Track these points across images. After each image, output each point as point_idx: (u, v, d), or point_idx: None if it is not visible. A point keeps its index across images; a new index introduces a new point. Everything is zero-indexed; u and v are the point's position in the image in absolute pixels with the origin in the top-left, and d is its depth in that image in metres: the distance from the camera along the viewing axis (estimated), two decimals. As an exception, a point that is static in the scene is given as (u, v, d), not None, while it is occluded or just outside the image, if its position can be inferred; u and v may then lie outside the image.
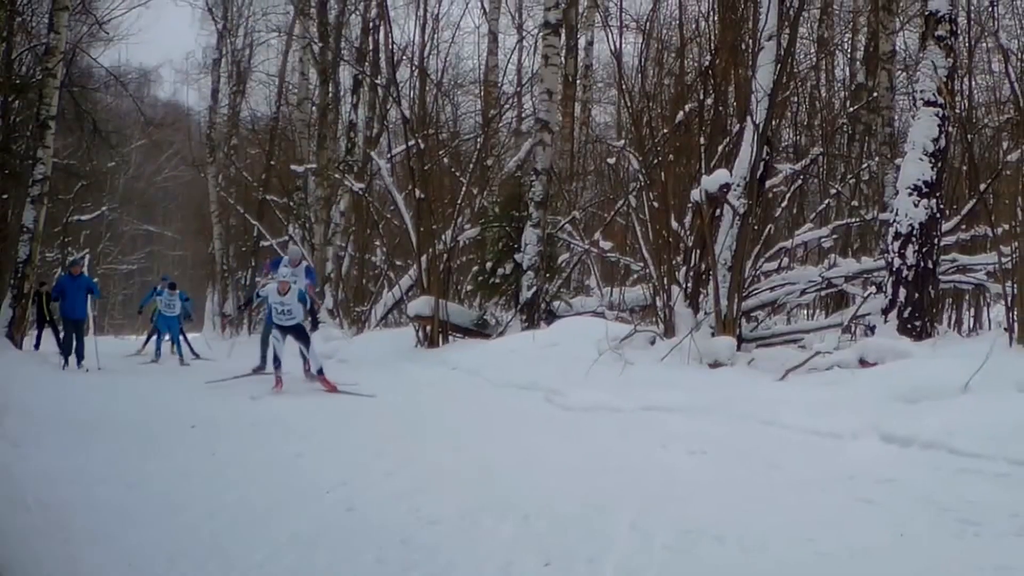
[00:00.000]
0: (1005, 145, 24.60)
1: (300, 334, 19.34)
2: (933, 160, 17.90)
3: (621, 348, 19.43)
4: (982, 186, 21.06)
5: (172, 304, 30.15)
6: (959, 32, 20.68)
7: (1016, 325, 16.33)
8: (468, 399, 15.24)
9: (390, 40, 36.48)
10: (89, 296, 25.65)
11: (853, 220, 25.99)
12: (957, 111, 20.64)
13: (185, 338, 31.67)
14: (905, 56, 30.21)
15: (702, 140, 22.76)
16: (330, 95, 40.83)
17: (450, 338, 26.76)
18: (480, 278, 28.18)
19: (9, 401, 14.65)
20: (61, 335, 26.14)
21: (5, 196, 28.09)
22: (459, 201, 29.97)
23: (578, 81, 39.83)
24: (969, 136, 23.11)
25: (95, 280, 33.68)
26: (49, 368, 23.52)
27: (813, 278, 22.14)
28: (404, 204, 30.94)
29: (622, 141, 29.05)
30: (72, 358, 24.60)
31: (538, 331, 23.06)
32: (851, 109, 29.85)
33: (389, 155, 35.59)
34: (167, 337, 30.81)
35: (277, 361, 19.25)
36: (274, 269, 22.22)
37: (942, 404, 12.43)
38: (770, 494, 9.12)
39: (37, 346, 29.71)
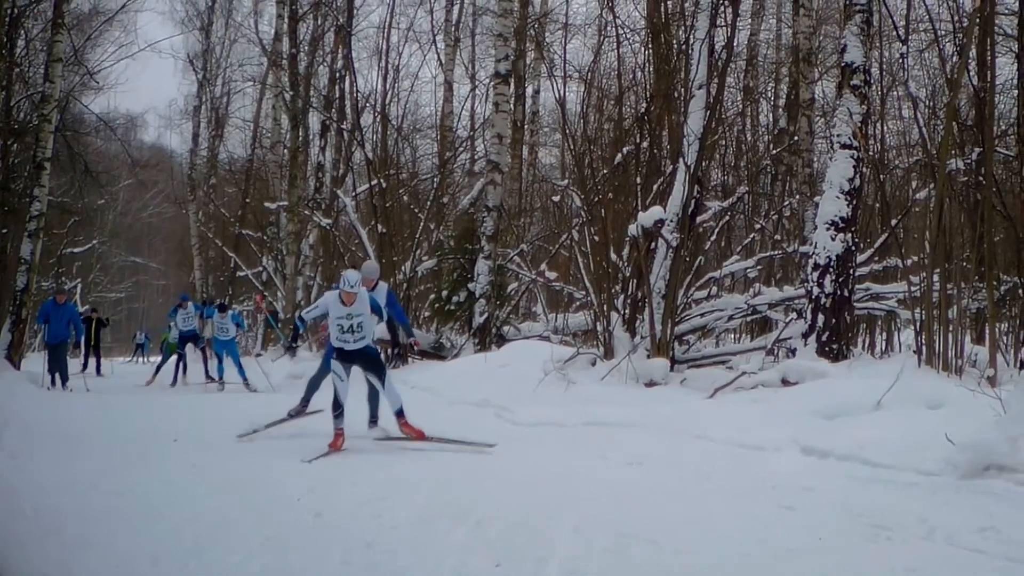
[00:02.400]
0: (914, 184, 24.75)
1: (372, 362, 12.91)
2: (849, 198, 18.02)
3: (565, 369, 19.37)
4: (893, 222, 21.20)
5: (226, 327, 24.82)
6: (872, 82, 20.71)
7: (924, 348, 16.48)
8: (425, 415, 15.13)
9: (354, 89, 36.51)
10: (71, 323, 24.73)
11: (776, 252, 26.06)
12: (871, 153, 20.72)
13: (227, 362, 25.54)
14: (823, 103, 30.32)
15: (638, 180, 22.79)
16: (300, 139, 40.66)
17: (409, 360, 26.65)
18: (437, 305, 28.19)
19: (8, 417, 14.60)
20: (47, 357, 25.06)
21: (4, 230, 27.84)
22: (417, 235, 29.94)
23: (526, 126, 39.78)
24: (881, 176, 23.20)
25: (81, 311, 33.55)
26: (45, 388, 23.15)
27: (739, 305, 22.22)
28: (367, 238, 31.00)
29: (566, 180, 29.11)
30: (58, 380, 23.91)
31: (489, 353, 23.04)
32: (774, 152, 29.94)
33: (354, 193, 35.78)
34: (198, 357, 26.60)
35: (338, 407, 12.70)
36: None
37: (857, 420, 12.68)
38: (700, 502, 9.17)
39: (84, 367, 30.29)
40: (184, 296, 28.49)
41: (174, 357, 27.76)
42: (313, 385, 15.32)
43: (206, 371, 26.29)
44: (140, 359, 49.31)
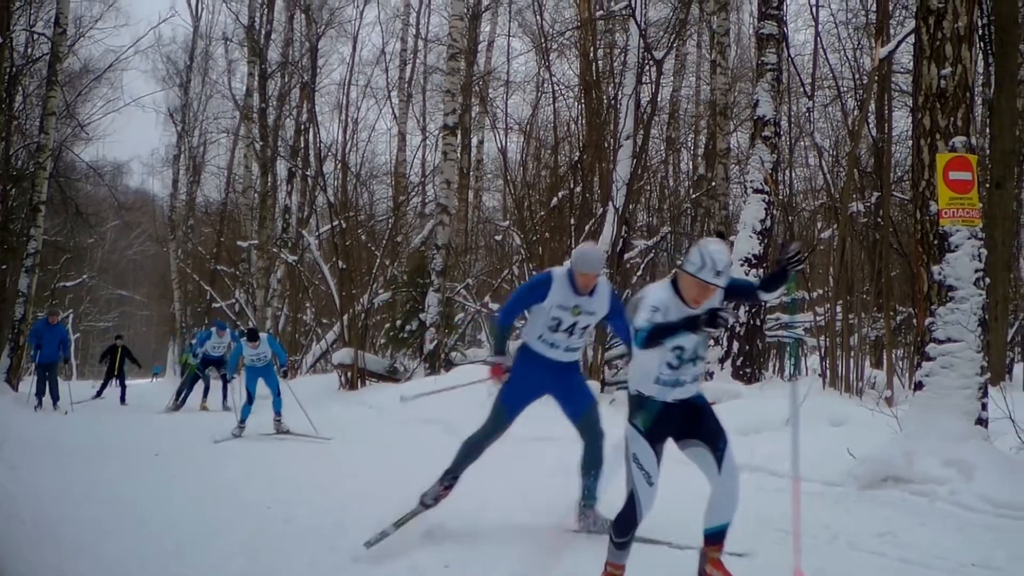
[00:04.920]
0: (819, 225, 24.86)
1: (708, 422, 6.69)
2: (760, 237, 18.09)
3: None
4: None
5: (262, 356, 17.91)
6: (782, 133, 20.76)
7: (828, 372, 16.65)
8: (381, 432, 15.00)
9: (318, 139, 36.87)
10: (62, 345, 23.94)
11: (696, 286, 26.07)
12: (780, 197, 20.70)
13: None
14: (738, 152, 30.32)
15: (572, 221, 22.74)
16: (269, 184, 40.51)
17: (367, 382, 26.49)
18: (391, 333, 28.09)
19: (8, 433, 14.67)
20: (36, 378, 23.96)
21: (4, 266, 27.97)
22: (374, 270, 29.85)
23: (471, 173, 39.72)
24: (790, 218, 23.22)
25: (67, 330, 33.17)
26: (42, 408, 22.64)
27: (663, 333, 22.11)
28: (329, 273, 31.17)
29: (507, 221, 29.11)
30: (47, 400, 22.97)
31: (438, 376, 22.99)
32: (694, 196, 30.00)
33: (317, 233, 35.82)
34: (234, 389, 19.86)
35: (632, 526, 6.49)
36: (533, 298, 8.42)
37: (767, 436, 12.68)
38: None
39: (99, 394, 27.92)
40: (221, 324, 25.45)
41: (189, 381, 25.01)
42: (472, 450, 8.91)
43: (224, 398, 23.14)
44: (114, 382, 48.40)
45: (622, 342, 9.07)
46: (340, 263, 29.41)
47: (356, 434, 15.58)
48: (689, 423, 6.50)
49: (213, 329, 24.17)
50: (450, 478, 8.60)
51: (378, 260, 30.44)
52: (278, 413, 17.30)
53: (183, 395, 24.65)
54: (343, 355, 26.85)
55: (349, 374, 26.69)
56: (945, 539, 7.66)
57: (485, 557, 7.30)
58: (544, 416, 17.04)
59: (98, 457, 13.38)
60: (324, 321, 37.05)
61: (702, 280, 5.91)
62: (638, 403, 6.35)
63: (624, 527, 6.41)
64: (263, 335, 18.19)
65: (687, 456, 6.66)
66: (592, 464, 8.52)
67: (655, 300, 6.03)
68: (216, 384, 24.95)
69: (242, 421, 17.19)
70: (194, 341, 26.14)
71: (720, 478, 6.50)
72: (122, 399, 27.00)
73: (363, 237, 34.34)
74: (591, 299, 7.96)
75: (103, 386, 28.70)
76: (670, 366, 6.19)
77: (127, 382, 28.52)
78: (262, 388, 17.64)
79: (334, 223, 30.74)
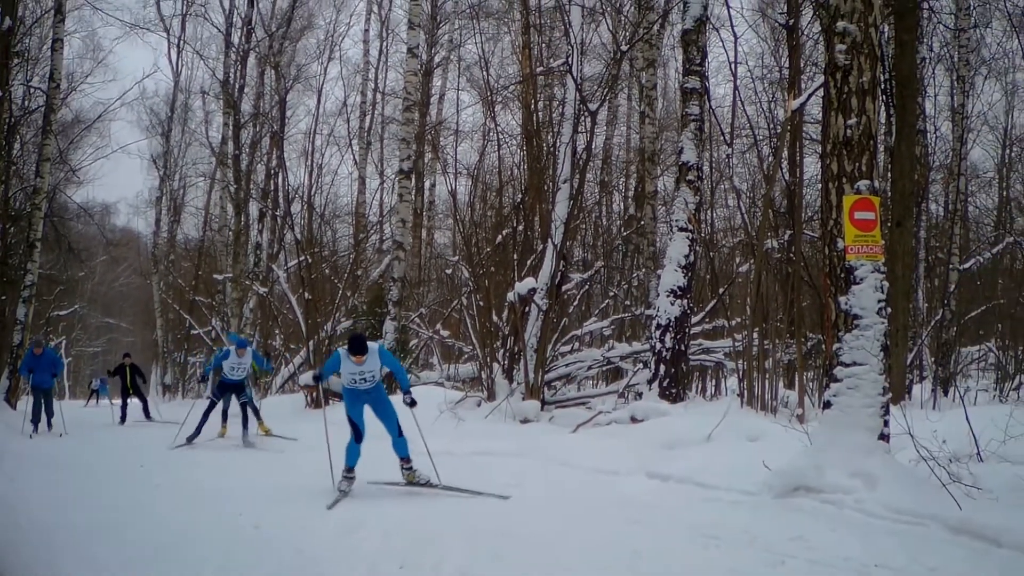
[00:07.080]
0: (737, 260, 24.94)
1: None
2: (685, 271, 18.16)
3: (456, 409, 19.54)
4: (721, 290, 21.20)
5: (368, 375, 11.20)
6: (704, 177, 20.74)
7: (745, 392, 16.75)
8: (344, 447, 14.78)
9: (286, 183, 37.09)
10: (54, 368, 22.29)
11: (626, 315, 26.33)
12: (702, 235, 20.68)
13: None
14: (664, 194, 30.44)
15: (515, 256, 22.71)
16: (242, 223, 40.33)
17: (330, 402, 26.26)
18: (352, 358, 27.96)
19: (6, 447, 15.15)
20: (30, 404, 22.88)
21: (3, 297, 27.96)
22: (337, 301, 29.87)
23: (424, 213, 40.04)
24: (711, 253, 23.22)
25: (60, 354, 32.74)
26: (37, 433, 21.54)
27: (597, 357, 22.42)
28: (296, 303, 31.17)
29: (456, 257, 29.11)
30: (43, 425, 21.24)
31: (394, 396, 22.84)
32: (624, 233, 30.16)
33: (285, 267, 35.67)
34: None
35: None
36: None
37: (691, 450, 12.96)
38: (565, 515, 9.38)
39: (123, 419, 25.04)
40: (243, 342, 19.45)
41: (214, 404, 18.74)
42: None
43: (244, 431, 17.96)
44: (96, 403, 46.98)
45: None
46: (306, 294, 29.40)
47: (321, 448, 15.40)
48: None
49: (232, 348, 18.82)
50: None
51: (340, 291, 30.48)
52: (404, 458, 11.34)
53: (199, 426, 17.98)
54: (309, 377, 26.63)
55: (314, 394, 26.53)
56: (851, 543, 7.72)
57: (436, 558, 7.26)
58: (485, 432, 17.07)
59: (89, 469, 13.35)
60: (292, 346, 36.89)
61: None
62: None
63: None
64: (373, 345, 11.19)
65: None
66: None
67: None
68: (216, 403, 19.11)
69: (349, 469, 11.13)
70: (210, 363, 21.59)
71: None
72: (146, 414, 25.21)
73: (327, 271, 34.49)
74: None
75: (123, 407, 25.77)
76: None
77: (147, 397, 26.52)
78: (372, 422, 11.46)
79: (301, 258, 30.89)
